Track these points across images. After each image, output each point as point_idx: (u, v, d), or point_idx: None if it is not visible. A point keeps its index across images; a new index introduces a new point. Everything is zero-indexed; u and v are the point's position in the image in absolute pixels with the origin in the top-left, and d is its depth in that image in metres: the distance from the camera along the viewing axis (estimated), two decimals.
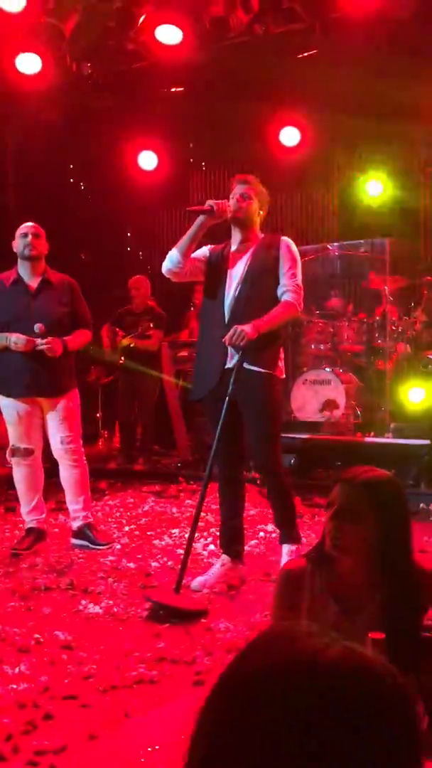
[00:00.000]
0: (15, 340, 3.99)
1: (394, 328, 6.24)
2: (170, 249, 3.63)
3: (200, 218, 3.52)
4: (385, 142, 7.34)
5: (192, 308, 7.18)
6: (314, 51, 6.51)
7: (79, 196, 7.85)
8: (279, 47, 6.44)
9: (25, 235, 4.13)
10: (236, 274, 3.58)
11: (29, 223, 4.21)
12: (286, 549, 3.65)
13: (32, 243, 4.11)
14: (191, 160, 8.64)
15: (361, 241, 6.36)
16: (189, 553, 3.38)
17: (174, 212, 8.82)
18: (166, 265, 3.63)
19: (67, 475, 4.27)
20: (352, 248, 6.33)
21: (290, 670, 0.66)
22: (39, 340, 3.99)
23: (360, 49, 6.30)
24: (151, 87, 6.89)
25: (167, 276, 3.68)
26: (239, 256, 3.61)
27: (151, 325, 6.53)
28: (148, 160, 8.32)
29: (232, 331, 3.37)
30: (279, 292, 3.55)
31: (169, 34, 5.98)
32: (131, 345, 6.55)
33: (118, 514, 5.03)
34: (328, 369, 6.22)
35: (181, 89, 7.17)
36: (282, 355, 3.71)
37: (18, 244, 4.15)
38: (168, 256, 3.62)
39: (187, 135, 8.11)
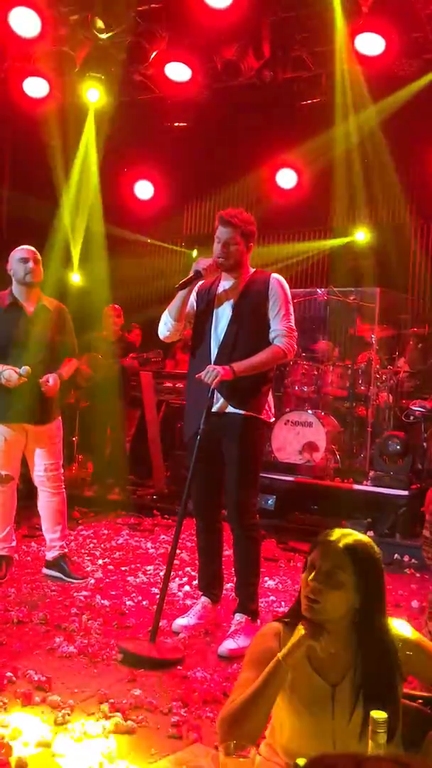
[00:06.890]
0: (7, 376, 3.92)
1: (377, 376, 6.31)
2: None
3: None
4: (379, 191, 7.49)
5: (179, 340, 7.16)
6: (317, 99, 6.66)
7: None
8: (284, 92, 6.59)
9: (26, 260, 3.99)
10: (223, 313, 3.45)
11: (28, 247, 4.05)
12: (237, 618, 3.43)
13: (33, 269, 4.00)
14: (187, 193, 8.71)
15: (351, 288, 6.43)
16: (164, 598, 3.29)
17: (166, 242, 8.87)
18: (162, 332, 3.56)
19: (46, 503, 4.20)
20: (342, 295, 6.39)
21: None
22: (47, 377, 3.98)
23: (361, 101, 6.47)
24: (155, 120, 6.96)
25: (163, 340, 3.63)
26: (227, 295, 3.47)
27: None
28: (144, 190, 8.39)
29: (205, 369, 3.30)
30: (271, 336, 3.38)
31: (178, 72, 6.08)
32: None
33: (91, 545, 4.95)
34: (310, 411, 6.24)
35: (184, 124, 7.25)
36: (270, 398, 3.56)
37: (16, 269, 4.00)
38: (163, 322, 3.53)
39: (185, 169, 8.18)
